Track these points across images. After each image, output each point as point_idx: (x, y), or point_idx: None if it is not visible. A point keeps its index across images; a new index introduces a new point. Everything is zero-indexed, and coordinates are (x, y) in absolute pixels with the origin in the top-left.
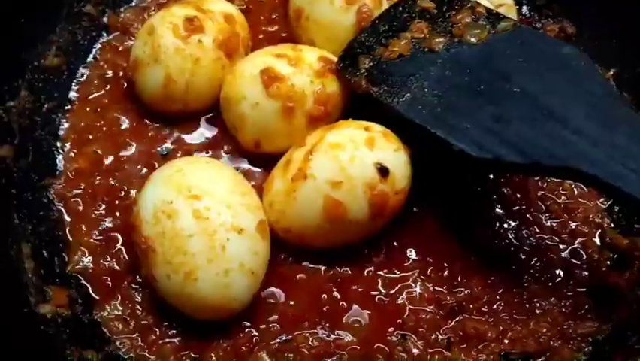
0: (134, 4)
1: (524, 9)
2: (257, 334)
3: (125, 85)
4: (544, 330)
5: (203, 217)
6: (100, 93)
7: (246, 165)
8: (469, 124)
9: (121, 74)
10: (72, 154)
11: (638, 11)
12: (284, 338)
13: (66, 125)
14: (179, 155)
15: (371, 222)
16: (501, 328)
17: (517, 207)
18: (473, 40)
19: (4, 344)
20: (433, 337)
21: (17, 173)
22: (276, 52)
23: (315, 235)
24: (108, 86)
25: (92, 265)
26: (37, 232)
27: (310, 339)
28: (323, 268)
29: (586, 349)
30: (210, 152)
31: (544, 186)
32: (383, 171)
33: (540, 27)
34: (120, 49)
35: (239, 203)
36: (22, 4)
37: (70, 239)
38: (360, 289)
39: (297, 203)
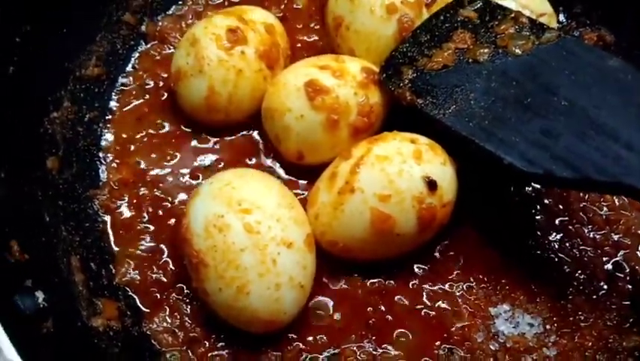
0: (171, 12)
1: (561, 17)
2: (304, 346)
3: (166, 95)
4: (590, 343)
5: (255, 231)
6: (140, 102)
7: (286, 176)
8: (518, 137)
9: (161, 83)
10: (115, 165)
11: None
12: (331, 351)
13: (108, 135)
14: (221, 165)
15: (418, 236)
16: (547, 341)
17: (559, 219)
18: (518, 51)
19: (61, 358)
20: (479, 351)
21: (62, 185)
22: (318, 63)
23: (361, 249)
24: (147, 96)
25: (139, 277)
26: (85, 244)
27: (357, 353)
28: (368, 280)
29: None
30: (252, 161)
31: (586, 197)
32: (431, 185)
33: (578, 35)
34: (158, 57)
35: (287, 217)
36: (63, 16)
37: (117, 250)
38: (405, 302)
39: (344, 216)
